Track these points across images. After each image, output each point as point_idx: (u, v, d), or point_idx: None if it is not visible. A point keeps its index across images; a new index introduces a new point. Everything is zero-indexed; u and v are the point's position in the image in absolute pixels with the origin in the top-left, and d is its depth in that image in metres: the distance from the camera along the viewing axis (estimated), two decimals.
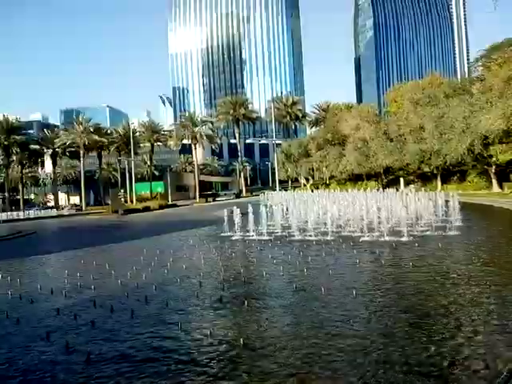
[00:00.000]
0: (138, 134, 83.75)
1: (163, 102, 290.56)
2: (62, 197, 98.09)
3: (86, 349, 6.65)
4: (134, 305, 9.20)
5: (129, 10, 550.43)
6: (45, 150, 79.04)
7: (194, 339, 7.05)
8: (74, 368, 6.12)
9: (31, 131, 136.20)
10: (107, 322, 8.22)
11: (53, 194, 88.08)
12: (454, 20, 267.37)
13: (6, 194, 75.81)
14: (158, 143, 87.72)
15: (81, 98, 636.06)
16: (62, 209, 70.62)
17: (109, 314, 8.71)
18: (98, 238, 27.17)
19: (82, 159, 74.54)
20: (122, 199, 63.88)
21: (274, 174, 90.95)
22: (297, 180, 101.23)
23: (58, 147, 76.59)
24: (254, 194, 77.84)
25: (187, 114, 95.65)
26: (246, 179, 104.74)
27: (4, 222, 48.36)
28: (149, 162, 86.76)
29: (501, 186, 42.20)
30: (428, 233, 17.61)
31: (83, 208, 70.86)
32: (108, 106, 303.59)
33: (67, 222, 45.57)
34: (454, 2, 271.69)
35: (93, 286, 11.18)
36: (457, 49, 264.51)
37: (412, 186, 38.26)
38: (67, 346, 6.88)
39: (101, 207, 68.12)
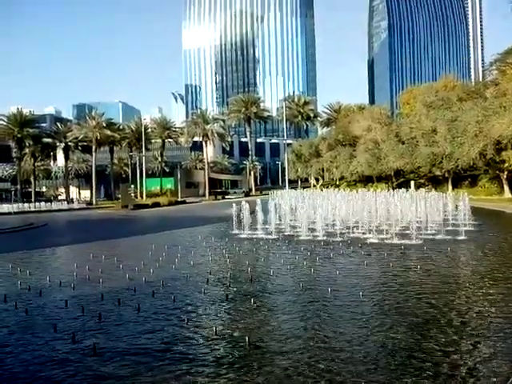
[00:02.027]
0: (149, 130, 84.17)
1: (175, 99, 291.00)
2: (73, 190, 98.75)
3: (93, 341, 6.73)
4: (141, 300, 9.28)
5: (143, 7, 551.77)
6: (57, 144, 79.57)
7: (198, 335, 7.10)
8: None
9: (44, 124, 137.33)
10: (115, 315, 8.29)
11: (64, 188, 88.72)
12: (470, 23, 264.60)
13: (18, 187, 76.49)
14: (169, 140, 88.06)
15: (94, 93, 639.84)
16: (73, 202, 71.07)
17: (116, 308, 8.80)
18: (106, 231, 27.37)
19: (93, 154, 74.99)
20: (132, 194, 64.26)
21: (283, 173, 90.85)
22: (306, 180, 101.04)
23: (71, 141, 77.11)
24: (263, 192, 77.86)
25: (199, 112, 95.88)
26: (255, 178, 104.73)
27: (16, 213, 48.94)
28: (159, 158, 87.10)
29: None
30: (438, 236, 17.50)
31: (93, 202, 71.33)
32: (121, 102, 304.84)
33: (77, 216, 45.96)
34: (470, 5, 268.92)
35: (100, 280, 11.28)
36: (471, 52, 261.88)
37: (423, 189, 37.96)
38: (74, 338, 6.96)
39: (111, 202, 68.58)
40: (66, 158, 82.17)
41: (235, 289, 10.22)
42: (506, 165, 41.20)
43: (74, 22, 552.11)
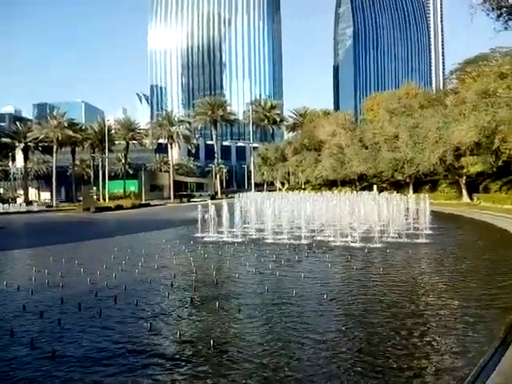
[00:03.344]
0: (113, 131, 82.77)
1: (140, 100, 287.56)
2: (33, 192, 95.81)
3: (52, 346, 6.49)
4: (102, 304, 9.04)
5: (108, 6, 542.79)
6: (16, 144, 77.18)
7: (162, 340, 6.98)
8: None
9: (3, 124, 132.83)
10: (74, 320, 8.03)
11: (23, 189, 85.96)
12: (432, 33, 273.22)
13: None
14: (134, 141, 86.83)
15: (56, 92, 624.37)
16: (32, 204, 68.88)
17: (76, 312, 8.53)
18: (67, 235, 26.63)
19: (54, 154, 73.05)
20: (95, 197, 62.88)
21: (249, 176, 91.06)
22: (272, 184, 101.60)
23: (31, 141, 74.94)
24: (229, 196, 77.72)
25: (164, 113, 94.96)
26: (221, 181, 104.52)
27: None
28: (123, 160, 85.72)
29: (470, 197, 43.18)
30: (400, 240, 17.88)
31: (54, 204, 69.37)
32: (83, 102, 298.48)
33: (37, 218, 44.56)
34: (432, 16, 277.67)
35: (60, 284, 10.93)
36: (433, 61, 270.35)
37: (385, 192, 38.79)
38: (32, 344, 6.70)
39: (72, 204, 66.92)
40: (26, 158, 79.74)
41: (200, 292, 10.11)
42: (465, 170, 42.58)
43: (37, 19, 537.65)
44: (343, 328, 7.27)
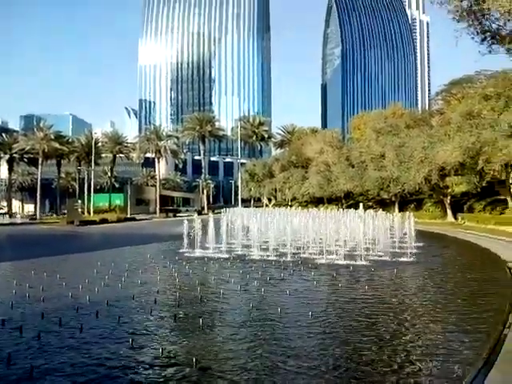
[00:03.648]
0: (100, 144, 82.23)
1: (129, 114, 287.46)
2: (16, 204, 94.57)
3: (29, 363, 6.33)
4: (84, 320, 8.87)
5: (99, 20, 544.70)
6: (1, 155, 76.24)
7: (144, 357, 6.85)
8: None
9: None
10: (55, 336, 7.86)
11: (6, 201, 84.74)
12: (418, 54, 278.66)
13: None
14: (121, 155, 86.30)
15: (43, 104, 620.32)
16: (15, 216, 67.88)
17: (57, 328, 8.35)
18: (50, 248, 26.19)
19: (40, 166, 72.22)
20: (79, 210, 62.14)
21: (237, 192, 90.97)
22: (259, 200, 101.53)
23: (16, 152, 74.10)
24: (215, 211, 77.59)
25: (152, 128, 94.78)
26: (208, 196, 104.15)
27: None
28: (109, 174, 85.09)
29: (455, 216, 43.64)
30: (385, 258, 17.93)
31: (38, 217, 68.42)
32: (71, 115, 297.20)
33: (19, 231, 43.88)
34: (418, 37, 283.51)
35: (41, 298, 10.72)
36: (419, 82, 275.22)
37: (371, 210, 39.02)
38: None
39: (56, 217, 66.11)
40: (10, 170, 78.80)
41: (184, 309, 9.99)
42: (449, 190, 43.09)
43: (27, 31, 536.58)
44: (324, 348, 7.22)
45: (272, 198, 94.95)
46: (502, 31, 18.62)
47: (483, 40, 19.84)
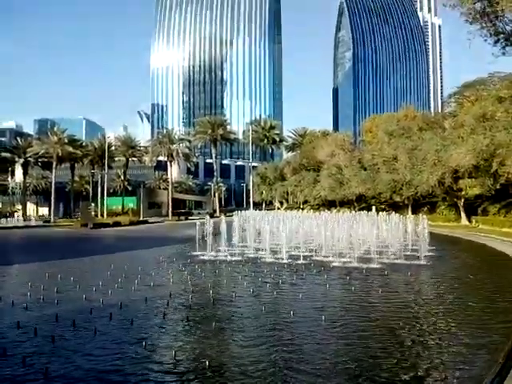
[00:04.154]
0: (113, 148, 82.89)
1: (141, 118, 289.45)
2: (31, 207, 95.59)
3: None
4: (98, 323, 8.92)
5: (111, 24, 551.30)
6: (16, 159, 77.15)
7: (157, 359, 6.87)
8: None
9: (3, 139, 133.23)
10: (68, 338, 7.91)
11: (21, 204, 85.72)
12: (430, 56, 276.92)
13: None
14: (133, 158, 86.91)
15: (57, 108, 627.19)
16: (30, 219, 68.59)
17: (71, 329, 8.41)
18: (64, 250, 26.39)
19: (54, 170, 73.03)
20: (93, 213, 62.72)
21: (248, 195, 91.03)
22: (271, 203, 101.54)
23: (30, 156, 74.93)
24: (227, 214, 77.69)
25: (165, 131, 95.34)
26: (220, 199, 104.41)
27: None
28: (122, 177, 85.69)
29: (469, 219, 43.16)
30: (398, 261, 17.79)
31: (52, 220, 69.11)
32: (84, 119, 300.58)
33: (34, 233, 44.34)
34: (430, 40, 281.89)
35: (56, 301, 10.81)
36: (431, 84, 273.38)
37: (384, 213, 38.78)
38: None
39: (70, 220, 66.68)
40: (25, 173, 79.68)
41: (196, 312, 10.00)
42: (463, 193, 42.65)
43: (40, 34, 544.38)
44: (337, 355, 7.17)
45: (284, 201, 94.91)
46: None
47: (496, 42, 19.68)
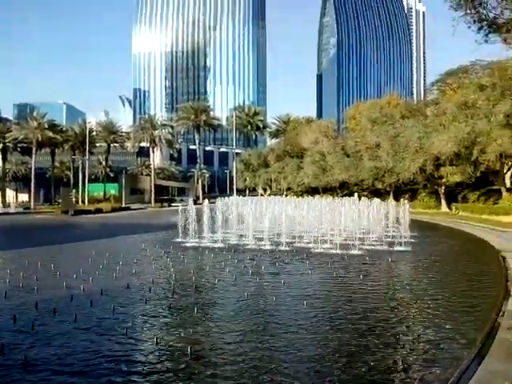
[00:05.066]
0: (94, 133, 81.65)
1: (123, 103, 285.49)
2: (10, 194, 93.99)
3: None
4: (78, 310, 8.84)
5: (93, 7, 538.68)
6: None
7: (139, 346, 6.85)
8: None
9: None
10: (49, 325, 7.83)
11: (0, 191, 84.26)
12: (414, 44, 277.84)
13: None
14: (115, 144, 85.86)
15: (37, 93, 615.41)
16: (9, 206, 67.46)
17: (51, 316, 8.32)
18: (44, 237, 26.06)
19: (33, 156, 71.78)
20: (74, 199, 61.94)
21: (232, 182, 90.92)
22: (254, 190, 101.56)
23: (9, 142, 73.47)
24: (210, 201, 77.44)
25: (147, 117, 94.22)
26: (203, 186, 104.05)
27: None
28: (104, 163, 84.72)
29: (449, 206, 43.85)
30: (380, 247, 17.99)
31: (32, 206, 68.08)
32: (65, 103, 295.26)
33: (13, 220, 43.66)
34: (414, 27, 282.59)
35: (35, 288, 10.67)
36: (414, 72, 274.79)
37: (366, 199, 39.09)
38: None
39: (51, 206, 65.79)
40: (4, 159, 78.23)
41: (178, 298, 9.98)
42: (444, 180, 43.22)
43: (19, 19, 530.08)
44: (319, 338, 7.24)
45: (267, 187, 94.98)
46: (498, 20, 18.60)
47: (480, 29, 19.81)
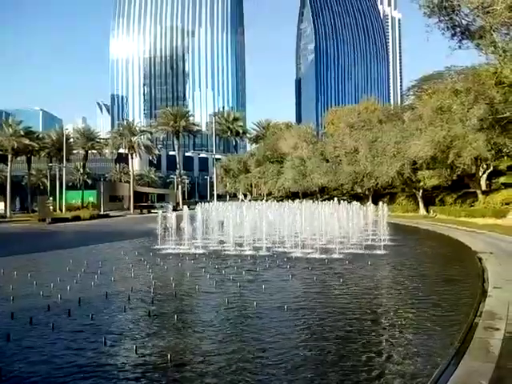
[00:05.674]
0: (72, 140, 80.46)
1: (101, 109, 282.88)
2: None
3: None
4: (56, 319, 8.66)
5: (68, 12, 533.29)
6: None
7: (118, 355, 6.74)
8: None
9: None
10: (25, 335, 7.65)
11: None
12: (390, 50, 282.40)
13: None
14: (93, 151, 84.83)
15: (12, 99, 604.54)
16: None
17: (28, 326, 8.14)
18: (21, 246, 25.51)
19: (9, 163, 70.36)
20: (51, 207, 60.83)
21: (212, 188, 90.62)
22: (235, 195, 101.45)
23: None
24: (190, 207, 77.00)
25: (125, 123, 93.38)
26: (183, 192, 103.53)
27: None
28: (82, 170, 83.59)
29: (427, 209, 44.54)
30: (359, 251, 18.13)
31: (8, 215, 66.63)
32: (42, 110, 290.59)
33: None
34: (390, 34, 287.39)
35: (11, 297, 10.43)
36: (391, 77, 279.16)
37: (345, 203, 39.41)
38: None
39: (27, 215, 64.52)
40: None
41: (158, 306, 9.88)
42: (421, 184, 43.90)
43: None
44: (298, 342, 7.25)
45: (248, 193, 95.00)
46: (471, 27, 19.00)
47: (453, 35, 20.23)
